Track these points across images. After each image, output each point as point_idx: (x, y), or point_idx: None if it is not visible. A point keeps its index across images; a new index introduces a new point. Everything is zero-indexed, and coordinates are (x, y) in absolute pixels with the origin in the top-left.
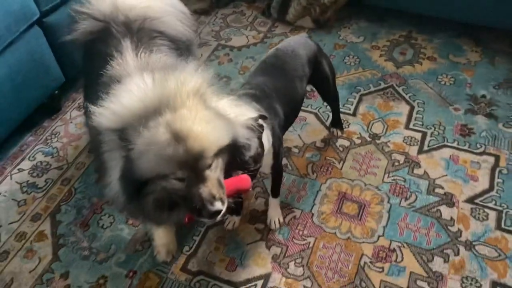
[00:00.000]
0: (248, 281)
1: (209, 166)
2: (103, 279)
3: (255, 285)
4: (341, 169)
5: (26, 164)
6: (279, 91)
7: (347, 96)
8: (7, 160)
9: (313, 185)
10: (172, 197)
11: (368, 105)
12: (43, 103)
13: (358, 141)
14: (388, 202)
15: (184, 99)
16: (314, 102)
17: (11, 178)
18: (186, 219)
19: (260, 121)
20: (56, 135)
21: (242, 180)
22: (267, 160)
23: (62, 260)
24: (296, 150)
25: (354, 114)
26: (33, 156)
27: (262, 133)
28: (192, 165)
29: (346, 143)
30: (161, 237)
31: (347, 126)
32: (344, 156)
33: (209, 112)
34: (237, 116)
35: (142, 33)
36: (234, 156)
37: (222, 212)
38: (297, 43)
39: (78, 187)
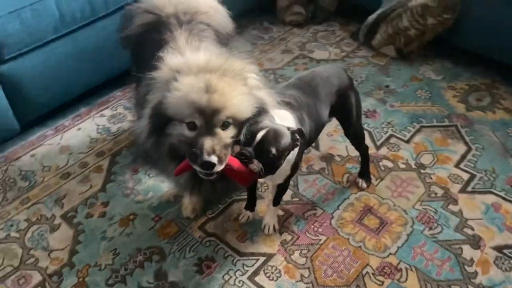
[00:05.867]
0: (252, 254)
1: (222, 125)
2: (133, 216)
3: (257, 259)
4: (376, 185)
5: (108, 112)
6: (310, 108)
7: (406, 124)
8: (94, 105)
9: (343, 192)
10: (182, 147)
11: (425, 136)
12: None
13: (402, 166)
14: (412, 226)
15: (230, 71)
16: (372, 122)
17: (92, 120)
18: (176, 170)
19: (297, 136)
20: None
21: (245, 172)
22: (285, 171)
23: (107, 192)
24: (338, 159)
25: (407, 141)
26: (115, 107)
27: (297, 146)
28: (209, 116)
29: (389, 164)
30: (192, 197)
31: (396, 150)
32: (384, 176)
33: (244, 89)
34: (268, 105)
35: (192, 24)
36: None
37: (215, 170)
38: (333, 71)
39: None
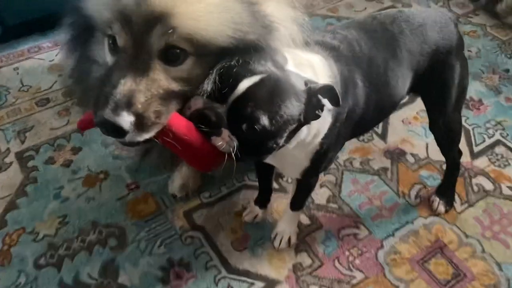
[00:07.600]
0: (247, 274)
1: (168, 53)
2: (104, 175)
3: (252, 284)
4: (460, 213)
5: None
6: (373, 66)
7: None
8: None
9: (407, 211)
10: None
11: None
12: None
13: (507, 192)
14: None
15: None
16: (472, 116)
17: None
18: (79, 121)
19: (325, 101)
20: None
21: (203, 149)
22: (296, 161)
23: (85, 135)
24: (411, 159)
25: None
26: None
27: (318, 117)
28: (139, 29)
29: (487, 185)
30: (184, 170)
31: (502, 166)
32: (475, 200)
33: None
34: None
35: None
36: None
37: (132, 140)
38: (433, 20)
39: None
